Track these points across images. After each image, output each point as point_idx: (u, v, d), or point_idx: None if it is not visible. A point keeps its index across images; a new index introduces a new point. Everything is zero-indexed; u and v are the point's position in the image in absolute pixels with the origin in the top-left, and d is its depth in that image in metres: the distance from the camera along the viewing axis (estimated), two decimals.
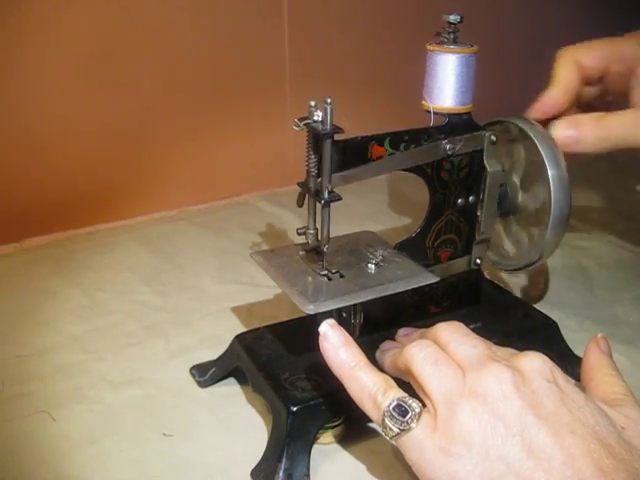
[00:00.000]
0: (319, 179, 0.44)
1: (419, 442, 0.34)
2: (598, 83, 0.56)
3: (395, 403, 0.36)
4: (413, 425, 0.35)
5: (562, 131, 0.51)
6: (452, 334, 0.39)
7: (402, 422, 0.35)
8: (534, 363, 0.36)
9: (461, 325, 0.40)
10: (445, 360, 0.37)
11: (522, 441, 0.32)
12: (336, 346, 0.39)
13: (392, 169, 0.47)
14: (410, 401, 0.36)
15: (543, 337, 0.52)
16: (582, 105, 0.56)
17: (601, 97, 0.57)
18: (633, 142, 0.51)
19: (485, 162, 0.50)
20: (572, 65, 0.53)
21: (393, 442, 0.35)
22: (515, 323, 0.53)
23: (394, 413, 0.35)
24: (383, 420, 0.36)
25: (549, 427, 0.33)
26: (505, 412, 0.33)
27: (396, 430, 0.35)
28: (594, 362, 0.41)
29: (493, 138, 0.49)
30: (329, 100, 0.41)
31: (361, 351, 0.39)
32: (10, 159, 0.72)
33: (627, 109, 0.52)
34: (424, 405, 0.36)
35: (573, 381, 0.50)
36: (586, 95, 0.56)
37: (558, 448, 0.32)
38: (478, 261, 0.53)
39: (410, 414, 0.35)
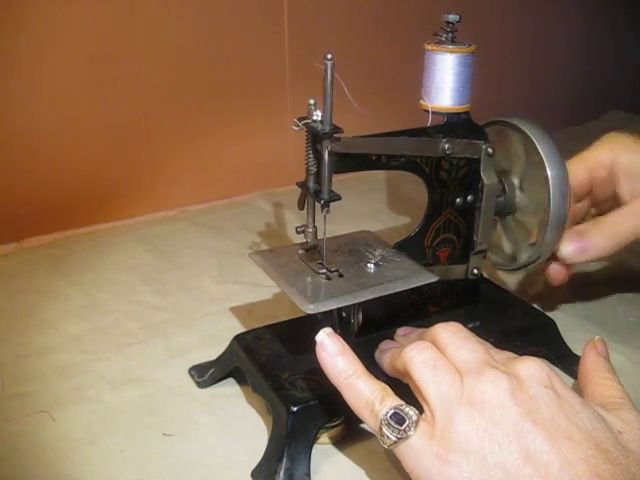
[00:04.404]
0: (318, 178, 0.44)
1: (416, 450, 0.34)
2: (586, 196, 0.58)
3: (392, 411, 0.35)
4: (410, 433, 0.35)
5: (568, 246, 0.53)
6: (451, 336, 0.39)
7: (399, 430, 0.35)
8: (531, 369, 0.36)
9: (460, 326, 0.40)
10: (443, 365, 0.37)
11: (519, 448, 0.32)
12: (333, 355, 0.39)
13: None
14: (407, 409, 0.36)
15: (541, 336, 0.53)
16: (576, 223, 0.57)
17: (587, 213, 0.60)
18: (636, 235, 0.52)
19: (482, 174, 0.49)
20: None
21: (391, 449, 0.35)
22: (514, 322, 0.53)
23: (391, 421, 0.35)
24: (380, 428, 0.35)
25: (546, 433, 0.33)
26: (502, 419, 0.33)
27: (393, 438, 0.35)
28: (591, 365, 0.42)
29: (490, 151, 0.49)
30: (330, 56, 0.40)
31: (358, 359, 0.39)
32: (10, 159, 0.72)
33: (619, 207, 0.54)
34: (421, 411, 0.36)
35: (572, 382, 0.50)
36: (579, 212, 0.58)
37: (555, 454, 0.32)
38: (475, 271, 0.52)
39: (407, 422, 0.35)
